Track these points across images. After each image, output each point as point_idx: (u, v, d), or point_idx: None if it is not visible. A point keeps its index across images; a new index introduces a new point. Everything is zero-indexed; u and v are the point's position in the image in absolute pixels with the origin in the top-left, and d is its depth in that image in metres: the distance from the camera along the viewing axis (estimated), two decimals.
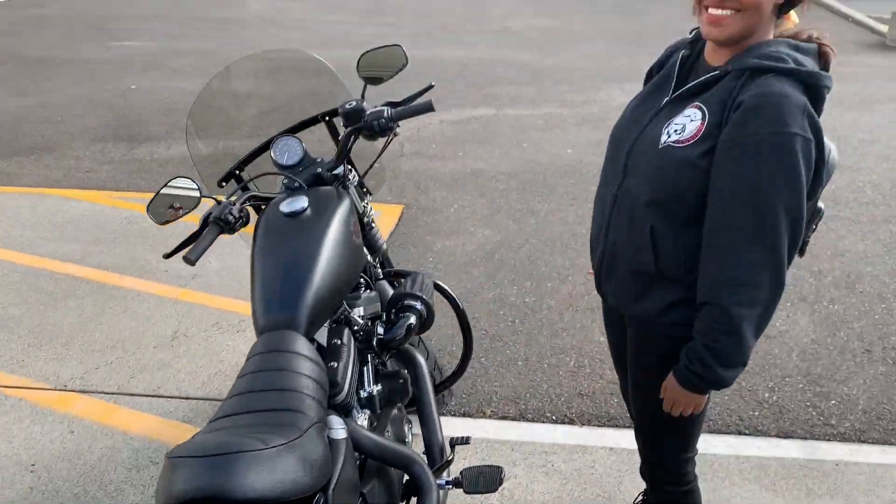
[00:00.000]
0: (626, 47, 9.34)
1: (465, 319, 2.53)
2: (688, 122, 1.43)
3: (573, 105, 6.76)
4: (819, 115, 1.38)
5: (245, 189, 2.10)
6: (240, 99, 2.24)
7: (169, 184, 1.81)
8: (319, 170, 1.98)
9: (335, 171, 2.02)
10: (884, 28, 9.78)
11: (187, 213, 1.79)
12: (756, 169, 1.33)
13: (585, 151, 5.53)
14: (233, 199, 1.84)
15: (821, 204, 1.63)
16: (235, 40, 9.48)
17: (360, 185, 2.22)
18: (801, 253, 1.58)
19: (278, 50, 2.30)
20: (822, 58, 1.45)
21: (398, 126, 2.03)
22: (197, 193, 1.79)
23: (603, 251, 1.65)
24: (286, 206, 1.79)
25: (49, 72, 7.83)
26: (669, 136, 1.45)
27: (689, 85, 1.49)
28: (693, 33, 1.59)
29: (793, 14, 1.47)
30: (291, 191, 1.93)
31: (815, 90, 1.38)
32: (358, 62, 2.16)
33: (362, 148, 2.11)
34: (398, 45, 2.19)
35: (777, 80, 1.35)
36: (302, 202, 1.80)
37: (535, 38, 9.99)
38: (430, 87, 2.15)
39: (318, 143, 2.13)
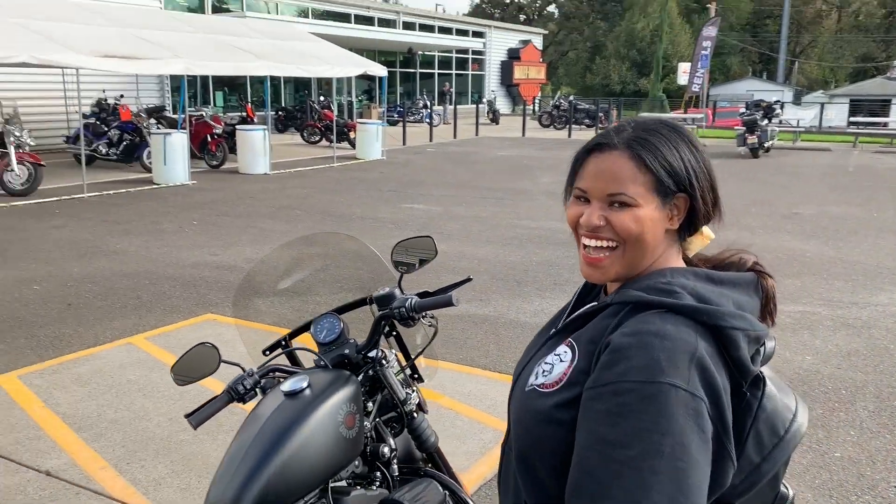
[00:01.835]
0: None
1: None
2: (556, 363, 1.10)
3: (838, 306, 5.85)
4: (743, 366, 1.01)
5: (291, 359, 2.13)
6: (292, 275, 2.33)
7: (194, 348, 1.91)
8: (347, 350, 1.94)
9: (368, 354, 1.96)
10: None
11: (204, 377, 1.85)
12: (615, 428, 0.95)
13: (827, 362, 4.68)
14: (254, 369, 1.86)
15: (786, 488, 1.15)
16: (510, 209, 10.04)
17: (413, 370, 2.11)
18: None
19: (332, 233, 2.36)
20: (762, 290, 1.11)
21: (425, 317, 1.92)
22: (216, 360, 1.84)
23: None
24: (286, 385, 1.76)
25: (343, 225, 9.01)
26: (537, 378, 1.12)
27: (572, 317, 1.18)
28: None
29: (705, 229, 1.14)
30: (313, 368, 1.91)
31: (720, 333, 1.00)
32: (392, 251, 2.13)
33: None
34: (429, 237, 2.11)
35: (661, 317, 1.01)
36: (302, 382, 1.75)
37: (825, 226, 9.02)
38: (468, 280, 2.02)
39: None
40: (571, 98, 27.94)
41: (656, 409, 0.93)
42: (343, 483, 1.84)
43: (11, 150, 9.97)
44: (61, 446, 3.45)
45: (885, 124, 23.21)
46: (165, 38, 12.44)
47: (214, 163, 13.81)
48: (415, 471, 2.11)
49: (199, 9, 20.75)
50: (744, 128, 16.63)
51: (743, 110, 18.34)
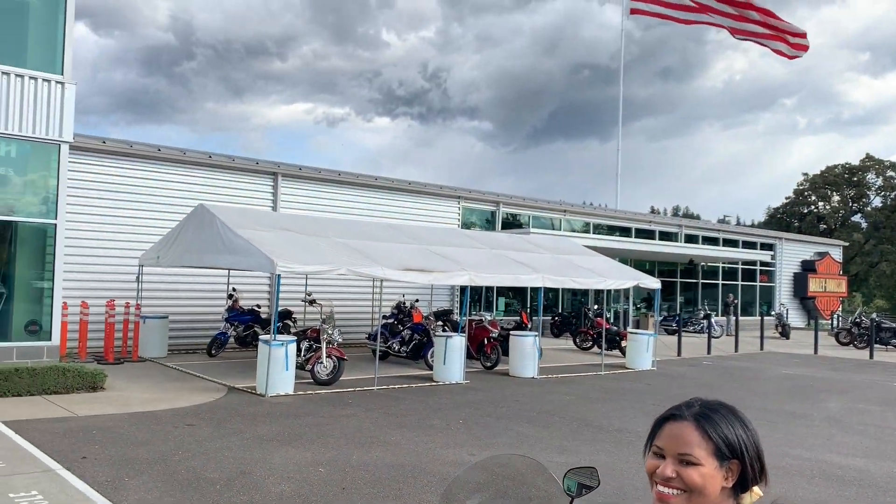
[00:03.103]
0: None
1: None
2: None
3: None
4: None
5: None
6: (488, 484, 2.67)
7: None
8: None
9: None
10: None
11: None
12: None
13: None
14: None
15: None
16: (782, 435, 9.35)
17: None
18: None
19: (521, 455, 2.71)
20: None
21: None
22: None
23: None
24: None
25: (597, 435, 9.10)
26: None
27: None
28: None
29: (756, 488, 1.40)
30: None
31: None
32: (563, 477, 2.41)
33: None
34: (594, 469, 2.36)
35: None
36: None
37: None
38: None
39: None
40: (875, 315, 25.32)
41: None
42: None
43: (324, 345, 11.87)
44: None
45: None
46: (456, 253, 14.23)
47: (488, 364, 14.83)
48: None
49: (491, 226, 23.26)
50: None
51: None
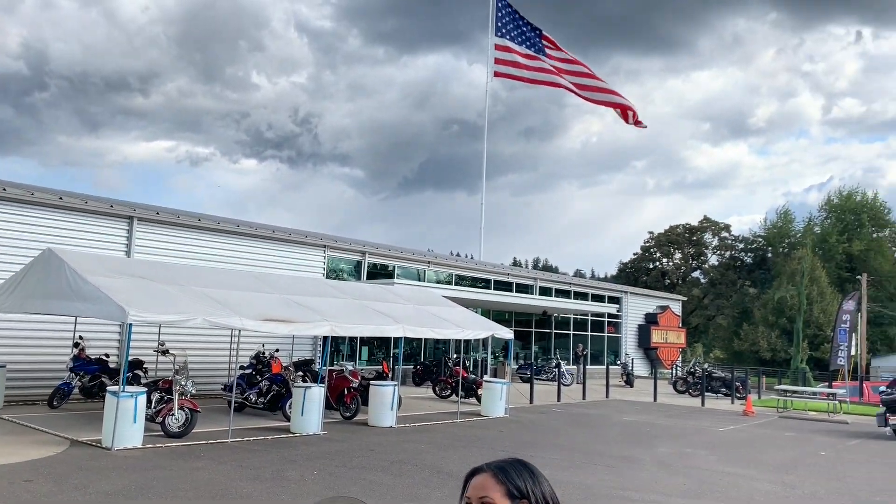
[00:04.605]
0: None
1: None
2: None
3: None
4: None
5: None
6: None
7: None
8: None
9: None
10: None
11: None
12: None
13: None
14: None
15: None
16: (615, 478, 10.13)
17: None
18: None
19: (350, 498, 3.07)
20: None
21: None
22: None
23: None
24: None
25: (450, 482, 9.48)
26: None
27: None
28: None
29: None
30: None
31: None
32: None
33: None
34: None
35: None
36: None
37: None
38: None
39: None
40: (706, 365, 27.62)
41: None
42: None
43: (176, 396, 11.61)
44: None
45: None
46: (318, 303, 14.39)
47: (348, 414, 14.95)
48: None
49: (358, 274, 23.53)
50: (884, 407, 15.83)
51: (884, 388, 17.49)
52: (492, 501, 1.81)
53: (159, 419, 11.52)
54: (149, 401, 11.65)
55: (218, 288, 13.26)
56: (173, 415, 11.54)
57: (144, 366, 14.85)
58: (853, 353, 27.31)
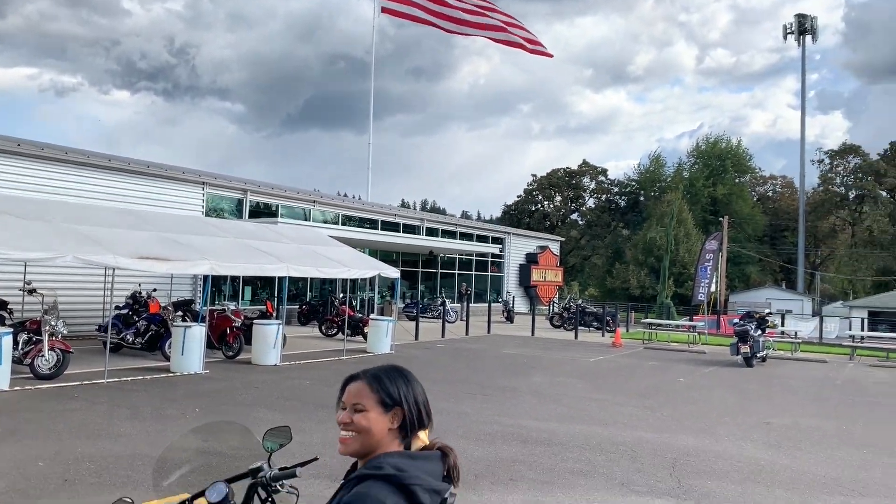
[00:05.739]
0: (891, 461, 8.36)
1: None
2: None
3: None
4: None
5: None
6: (198, 451, 3.12)
7: (122, 499, 2.69)
8: None
9: None
10: None
11: None
12: None
13: None
14: None
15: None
16: (494, 406, 10.66)
17: None
18: None
19: (229, 422, 3.18)
20: (446, 460, 1.81)
21: (283, 486, 2.69)
22: None
23: None
24: None
25: (333, 415, 9.69)
26: None
27: (338, 488, 1.84)
28: None
29: (422, 434, 1.86)
30: None
31: (407, 490, 1.67)
32: (263, 436, 2.92)
33: None
34: (288, 427, 2.92)
35: (373, 483, 1.67)
36: None
37: (791, 436, 9.44)
38: (314, 459, 2.80)
39: None
40: (580, 301, 29.14)
41: None
42: None
43: (45, 337, 11.10)
44: None
45: None
46: (197, 241, 14.01)
47: (231, 353, 14.80)
48: None
49: (240, 214, 22.92)
50: (737, 338, 17.35)
51: (737, 320, 19.13)
52: (364, 409, 1.84)
53: (28, 361, 11.02)
54: (15, 342, 11.09)
55: (89, 225, 12.63)
56: (43, 356, 11.06)
57: (9, 307, 14.05)
58: (713, 289, 29.52)
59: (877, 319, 34.51)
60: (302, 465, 2.79)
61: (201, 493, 2.88)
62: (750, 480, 7.23)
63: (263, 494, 2.80)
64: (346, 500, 1.69)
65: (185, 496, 2.85)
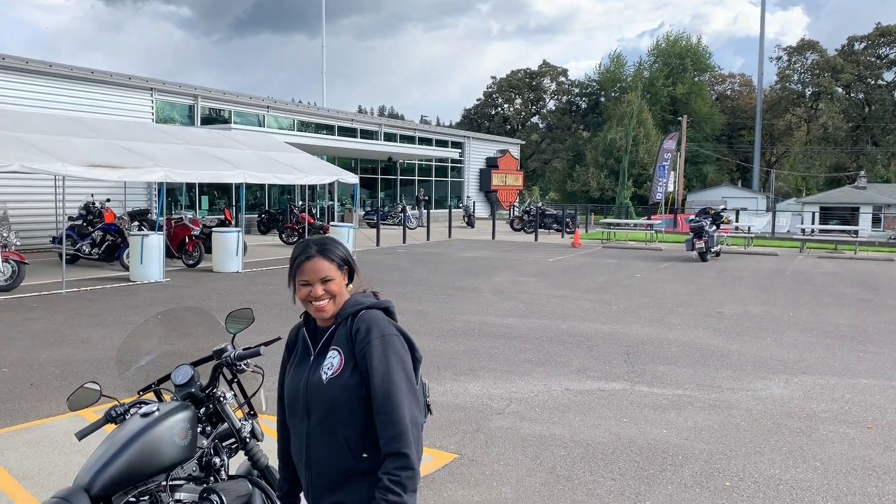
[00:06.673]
0: (832, 342, 8.80)
1: None
2: (333, 359, 2.16)
3: (714, 391, 6.61)
4: (397, 321, 2.23)
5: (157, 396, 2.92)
6: (161, 338, 3.15)
7: (85, 385, 2.72)
8: (193, 389, 2.74)
9: (210, 392, 2.76)
10: None
11: (88, 407, 2.66)
12: (384, 355, 2.09)
13: (678, 435, 5.41)
14: (126, 401, 2.68)
15: (424, 379, 2.28)
16: (455, 305, 10.88)
17: (249, 407, 2.90)
18: (430, 411, 2.28)
19: (191, 307, 3.20)
20: (376, 295, 2.29)
21: (248, 366, 2.75)
22: (97, 395, 2.66)
23: (310, 469, 2.15)
24: (143, 409, 2.57)
25: (295, 318, 9.81)
26: (326, 374, 2.15)
27: (322, 341, 2.23)
28: (302, 316, 2.32)
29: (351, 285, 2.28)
30: (168, 402, 2.70)
31: (388, 311, 2.25)
32: (226, 318, 2.96)
33: None
34: (249, 308, 2.96)
35: (367, 312, 2.19)
36: (152, 407, 2.56)
37: (741, 323, 9.87)
38: (277, 339, 2.85)
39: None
40: (540, 204, 29.40)
41: (392, 343, 2.12)
42: (181, 481, 2.62)
43: None
44: (3, 490, 4.16)
45: (856, 232, 24.44)
46: (149, 148, 13.64)
47: (191, 262, 14.72)
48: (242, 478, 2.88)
49: (191, 121, 22.27)
50: (692, 233, 17.77)
51: (692, 217, 19.54)
52: (331, 278, 2.19)
53: None
54: None
55: (35, 133, 12.19)
56: None
57: None
58: (671, 188, 29.97)
59: (828, 214, 35.61)
60: (266, 344, 2.85)
61: (167, 378, 2.92)
62: (700, 364, 7.58)
63: (229, 375, 2.86)
64: (361, 326, 2.14)
65: (152, 381, 2.91)
